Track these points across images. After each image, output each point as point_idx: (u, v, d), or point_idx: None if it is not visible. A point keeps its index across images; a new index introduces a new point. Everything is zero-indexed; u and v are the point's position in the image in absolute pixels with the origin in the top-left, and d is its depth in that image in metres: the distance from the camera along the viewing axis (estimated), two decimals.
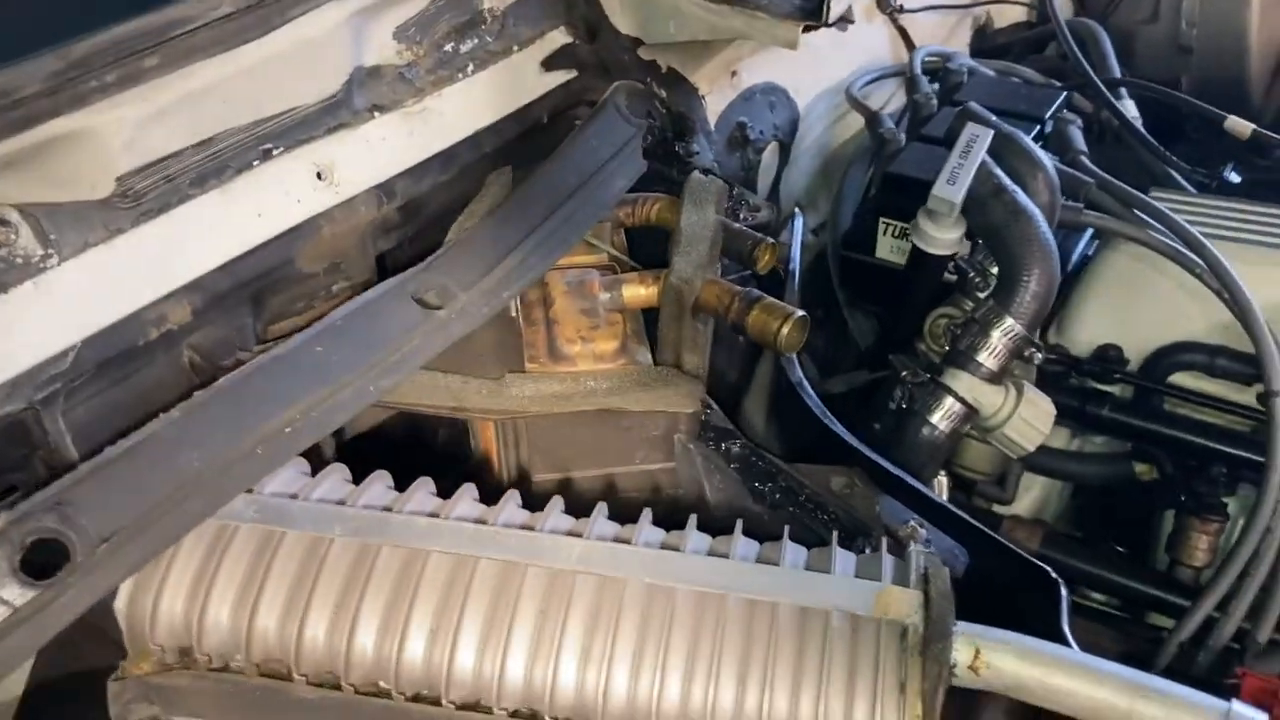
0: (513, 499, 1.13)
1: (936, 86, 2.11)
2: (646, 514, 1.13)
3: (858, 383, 1.71)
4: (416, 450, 1.56)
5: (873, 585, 1.02)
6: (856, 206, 2.00)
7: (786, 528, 1.13)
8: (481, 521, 1.07)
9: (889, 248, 1.79)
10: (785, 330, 1.30)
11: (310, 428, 1.13)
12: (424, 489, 1.13)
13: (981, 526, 1.24)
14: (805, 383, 1.41)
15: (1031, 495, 1.83)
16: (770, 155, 1.94)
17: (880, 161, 1.92)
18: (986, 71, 2.20)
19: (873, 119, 1.96)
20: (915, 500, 1.30)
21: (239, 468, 1.08)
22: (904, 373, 1.58)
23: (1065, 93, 1.99)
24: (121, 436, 1.09)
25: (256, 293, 1.32)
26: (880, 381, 1.67)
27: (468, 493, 1.13)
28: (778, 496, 1.28)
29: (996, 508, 1.80)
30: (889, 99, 2.21)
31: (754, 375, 1.67)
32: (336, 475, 1.14)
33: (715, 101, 1.82)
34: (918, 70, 2.09)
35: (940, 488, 1.59)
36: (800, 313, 1.31)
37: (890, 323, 1.79)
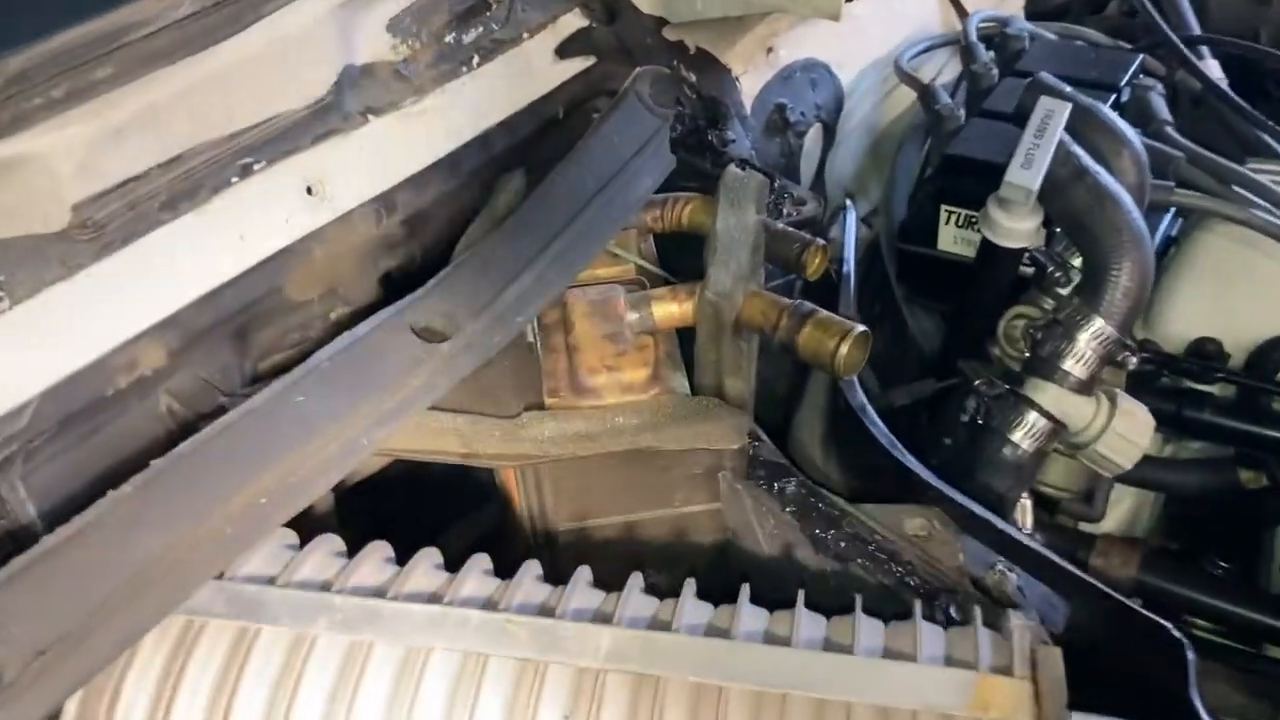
0: (530, 571, 0.96)
1: (993, 55, 1.91)
2: (689, 587, 0.96)
3: (924, 393, 1.53)
4: (433, 493, 1.42)
5: (968, 675, 0.83)
6: (911, 191, 1.82)
7: (858, 599, 0.95)
8: (492, 604, 0.90)
9: (952, 238, 1.60)
10: (843, 350, 1.12)
11: (291, 495, 0.97)
12: (426, 562, 0.96)
13: (1085, 576, 1.05)
14: (869, 407, 1.23)
15: (1121, 509, 1.64)
16: (813, 139, 1.76)
17: (938, 141, 1.73)
18: (1048, 36, 1.99)
19: (927, 93, 1.77)
20: (1002, 543, 1.11)
21: (205, 550, 0.91)
22: (977, 382, 1.39)
23: (1141, 55, 1.78)
24: (94, 499, 0.94)
25: (241, 327, 1.19)
26: (950, 390, 1.48)
27: (477, 566, 0.95)
28: (843, 545, 1.10)
29: (1083, 526, 1.61)
30: (940, 70, 2.03)
31: (806, 389, 1.49)
32: (324, 549, 0.97)
33: (750, 83, 1.65)
34: (973, 37, 1.89)
35: (1023, 512, 1.40)
36: (860, 328, 1.13)
37: (958, 323, 1.61)
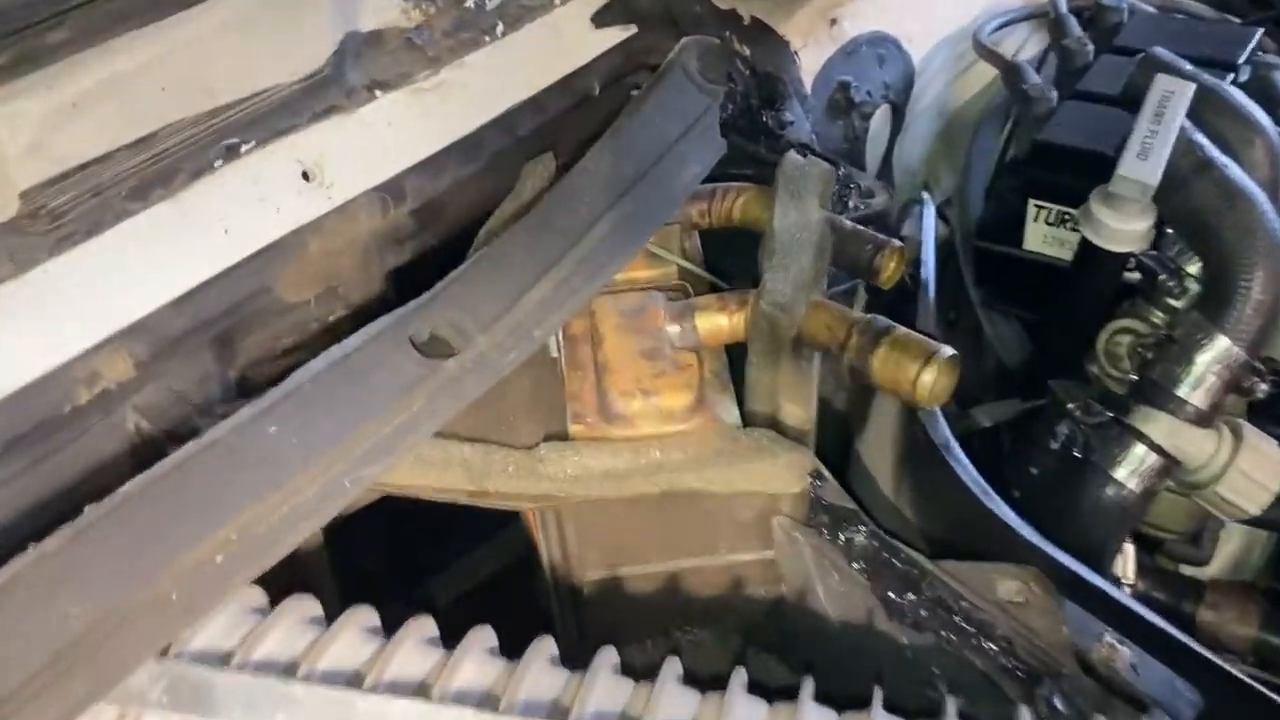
0: (541, 652, 0.78)
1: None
2: (738, 678, 0.77)
3: (1008, 415, 1.33)
4: (449, 515, 1.26)
5: None
6: (988, 182, 1.63)
7: (950, 704, 0.76)
8: (493, 700, 0.73)
9: (1041, 237, 1.41)
10: (927, 377, 0.93)
11: (255, 551, 0.80)
12: (415, 637, 0.78)
13: (1228, 666, 0.86)
14: (954, 445, 1.04)
15: (1229, 549, 1.43)
16: (880, 121, 1.60)
17: (1026, 125, 1.53)
18: (1147, 8, 1.78)
19: (1013, 72, 1.57)
20: (1114, 612, 0.93)
21: (145, 621, 0.75)
22: (1071, 406, 1.20)
23: (1260, 30, 1.57)
24: (48, 533, 0.79)
25: (225, 333, 1.04)
26: (1036, 413, 1.29)
27: (477, 644, 0.78)
28: (923, 613, 0.92)
29: (1185, 568, 1.41)
30: (1021, 47, 1.83)
31: (871, 408, 1.30)
32: (293, 616, 0.80)
33: (811, 58, 1.50)
34: (1063, 9, 1.69)
35: (1125, 560, 1.21)
36: (948, 351, 0.94)
37: (1047, 335, 1.41)
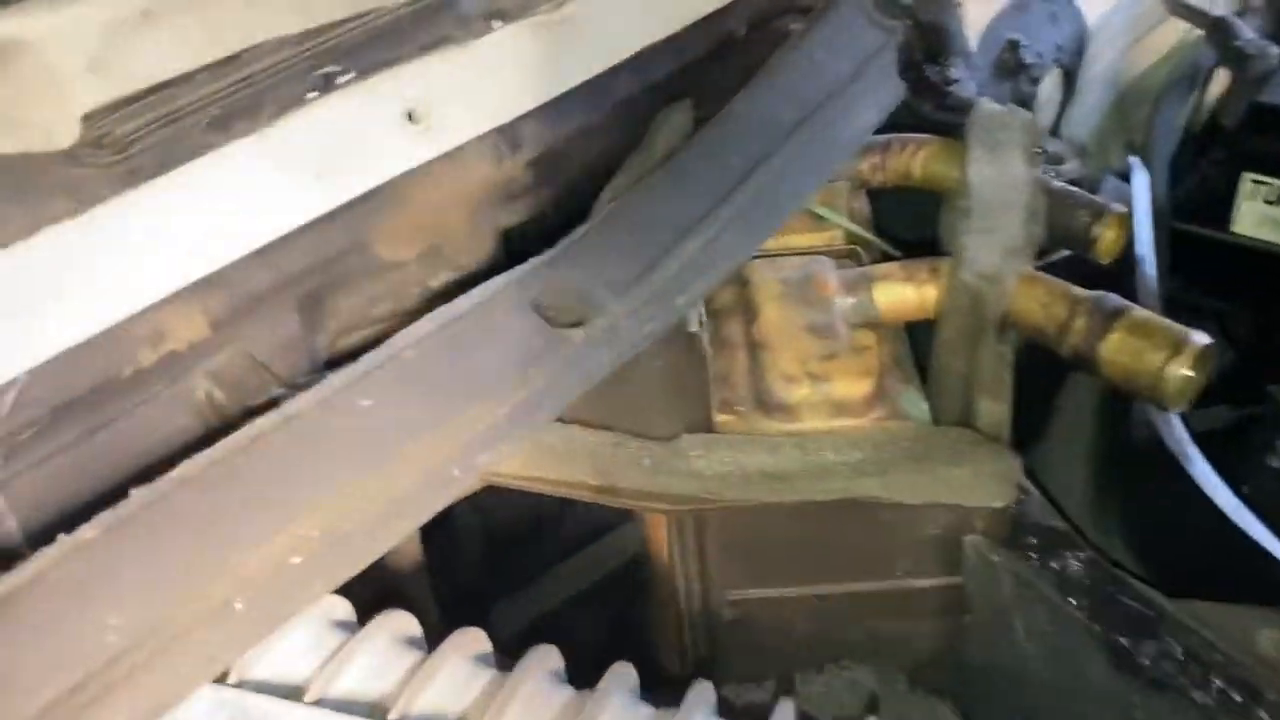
0: (699, 700, 0.61)
1: None
2: None
3: (1213, 426, 1.14)
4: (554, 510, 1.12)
5: None
6: (1171, 156, 1.45)
7: None
8: None
9: (1257, 217, 1.23)
10: (1177, 370, 0.75)
11: (337, 553, 0.66)
12: (538, 672, 0.62)
13: None
14: (1196, 453, 0.85)
15: None
16: (1051, 85, 1.45)
17: (1240, 88, 1.35)
18: None
19: (1221, 27, 1.38)
20: None
21: (198, 639, 0.61)
22: None
23: None
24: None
25: (313, 293, 0.93)
26: (1250, 422, 1.10)
27: (618, 687, 0.61)
28: (1165, 665, 0.73)
29: None
30: (1210, 5, 1.66)
31: (1057, 401, 1.12)
32: (385, 636, 0.64)
33: (978, 11, 1.36)
34: None
35: None
36: (1203, 340, 0.76)
37: (1265, 332, 1.23)
